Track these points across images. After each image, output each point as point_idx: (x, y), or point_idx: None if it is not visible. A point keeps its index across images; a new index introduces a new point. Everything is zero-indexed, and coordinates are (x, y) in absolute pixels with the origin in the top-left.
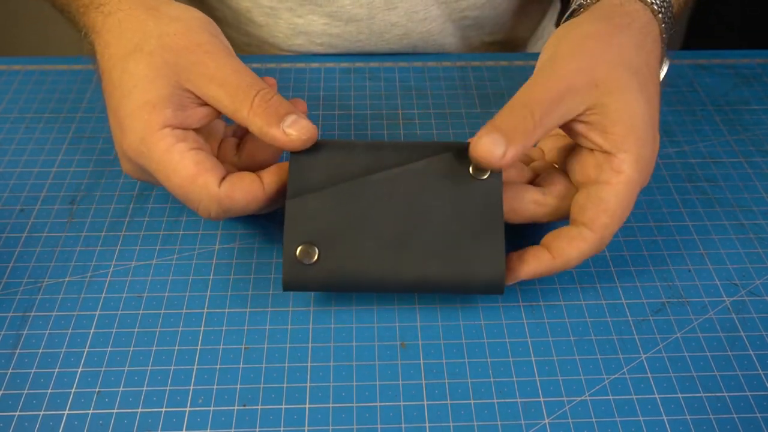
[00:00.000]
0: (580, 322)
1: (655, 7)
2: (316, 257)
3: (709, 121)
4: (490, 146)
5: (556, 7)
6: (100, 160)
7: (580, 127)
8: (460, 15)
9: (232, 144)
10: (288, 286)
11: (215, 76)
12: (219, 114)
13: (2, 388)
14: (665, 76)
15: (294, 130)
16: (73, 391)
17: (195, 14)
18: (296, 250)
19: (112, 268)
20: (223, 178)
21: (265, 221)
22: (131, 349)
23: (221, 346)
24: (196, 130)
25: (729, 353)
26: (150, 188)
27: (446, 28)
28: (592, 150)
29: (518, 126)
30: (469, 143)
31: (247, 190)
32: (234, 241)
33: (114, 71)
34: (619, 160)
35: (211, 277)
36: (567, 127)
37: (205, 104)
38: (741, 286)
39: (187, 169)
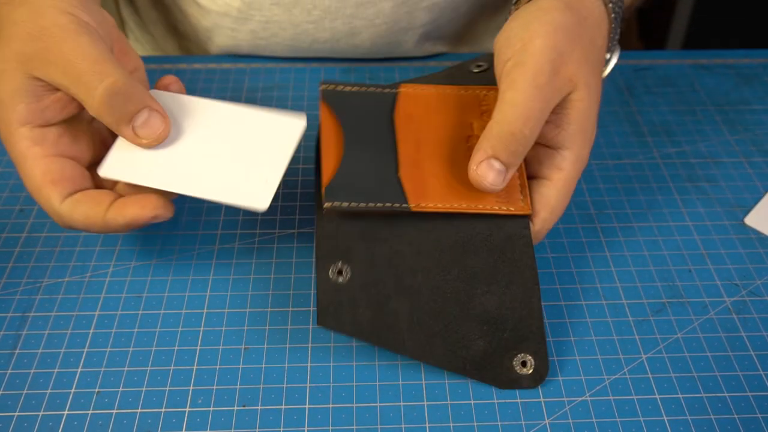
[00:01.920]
0: (580, 323)
1: (610, 5)
2: (349, 276)
3: (709, 121)
4: (489, 175)
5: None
6: None
7: None
8: (421, 31)
9: None
10: (323, 310)
11: (59, 62)
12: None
13: (2, 388)
14: (609, 71)
15: (144, 132)
16: (72, 391)
17: None
18: (329, 270)
19: (111, 268)
20: (72, 193)
21: (265, 221)
22: (131, 349)
23: (221, 347)
24: (68, 123)
25: (730, 353)
26: None
27: (408, 44)
28: (534, 145)
29: (518, 150)
30: None
31: (87, 215)
32: (234, 241)
33: None
34: (561, 157)
35: (210, 277)
36: None
37: (60, 90)
38: (741, 286)
39: (34, 177)
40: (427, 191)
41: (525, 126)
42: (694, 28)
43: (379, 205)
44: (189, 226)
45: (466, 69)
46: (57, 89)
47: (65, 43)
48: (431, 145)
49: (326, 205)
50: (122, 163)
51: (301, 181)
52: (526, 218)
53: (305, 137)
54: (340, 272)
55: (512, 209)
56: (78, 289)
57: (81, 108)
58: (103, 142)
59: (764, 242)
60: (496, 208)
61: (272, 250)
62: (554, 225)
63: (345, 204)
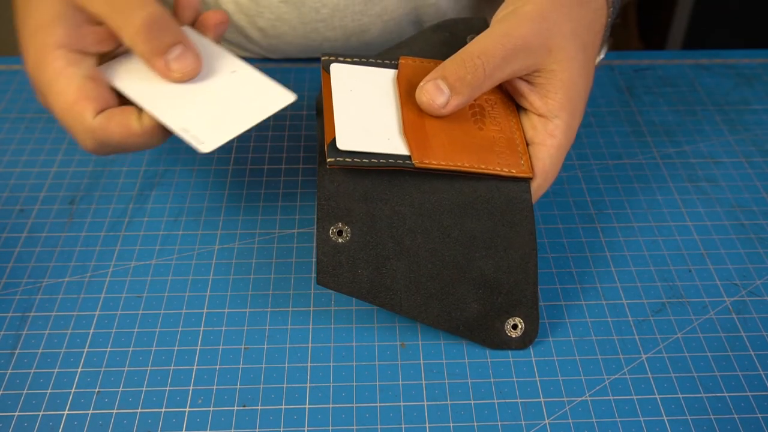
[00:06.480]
0: (580, 322)
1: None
2: (348, 236)
3: (709, 121)
4: (433, 93)
5: None
6: (99, 160)
7: (523, 86)
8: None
9: None
10: (323, 270)
11: None
12: (117, 40)
13: (2, 388)
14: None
15: (177, 65)
16: (72, 391)
17: None
18: (329, 230)
19: (111, 269)
20: (104, 110)
21: (265, 221)
22: (131, 349)
23: (221, 347)
24: (103, 58)
25: (729, 353)
26: (150, 188)
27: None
28: (527, 111)
29: (466, 77)
30: None
31: (123, 124)
32: (234, 241)
33: (19, 8)
34: (553, 125)
35: (210, 277)
36: (511, 84)
37: (100, 24)
38: (741, 286)
39: (67, 94)
40: (430, 150)
41: (478, 57)
42: (694, 28)
43: (382, 161)
44: (189, 226)
45: (462, 39)
46: (97, 23)
47: None
48: None
49: (329, 160)
50: (122, 72)
51: (301, 181)
52: (526, 182)
53: (308, 132)
54: (340, 233)
55: (514, 171)
56: (78, 289)
57: (117, 45)
58: None
59: (764, 242)
60: (498, 169)
61: (272, 250)
62: (545, 191)
63: (348, 160)
